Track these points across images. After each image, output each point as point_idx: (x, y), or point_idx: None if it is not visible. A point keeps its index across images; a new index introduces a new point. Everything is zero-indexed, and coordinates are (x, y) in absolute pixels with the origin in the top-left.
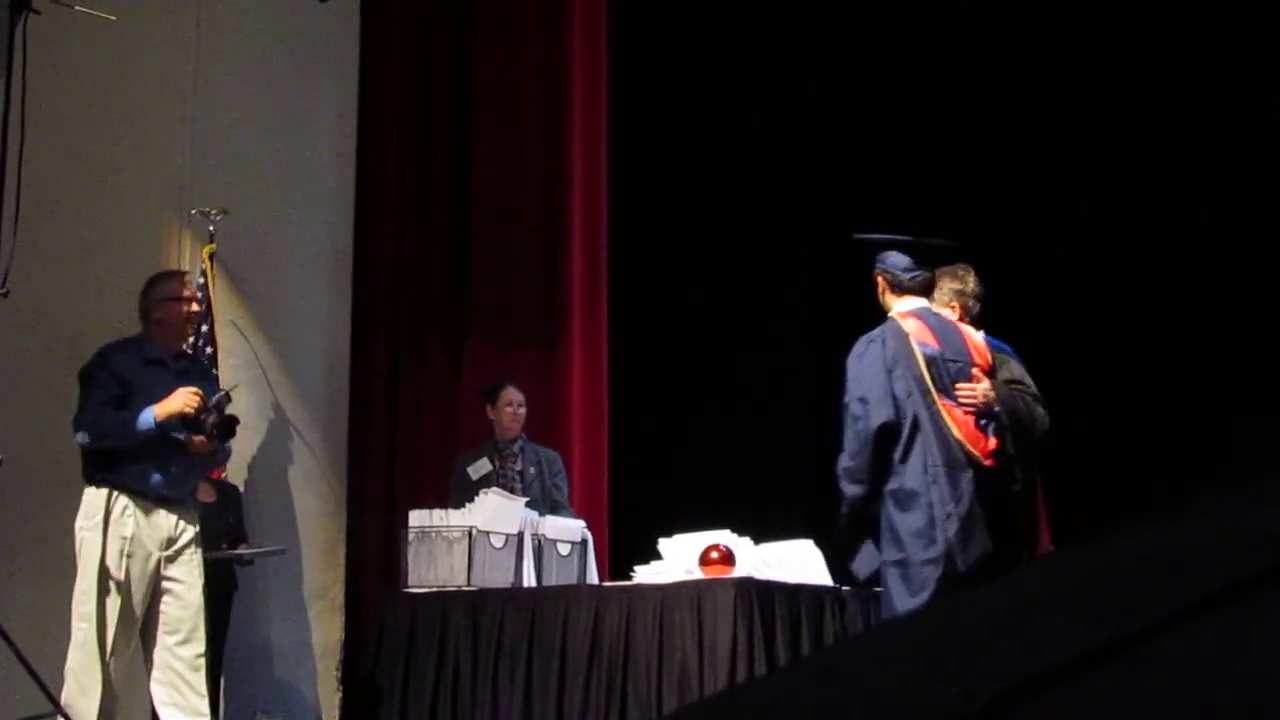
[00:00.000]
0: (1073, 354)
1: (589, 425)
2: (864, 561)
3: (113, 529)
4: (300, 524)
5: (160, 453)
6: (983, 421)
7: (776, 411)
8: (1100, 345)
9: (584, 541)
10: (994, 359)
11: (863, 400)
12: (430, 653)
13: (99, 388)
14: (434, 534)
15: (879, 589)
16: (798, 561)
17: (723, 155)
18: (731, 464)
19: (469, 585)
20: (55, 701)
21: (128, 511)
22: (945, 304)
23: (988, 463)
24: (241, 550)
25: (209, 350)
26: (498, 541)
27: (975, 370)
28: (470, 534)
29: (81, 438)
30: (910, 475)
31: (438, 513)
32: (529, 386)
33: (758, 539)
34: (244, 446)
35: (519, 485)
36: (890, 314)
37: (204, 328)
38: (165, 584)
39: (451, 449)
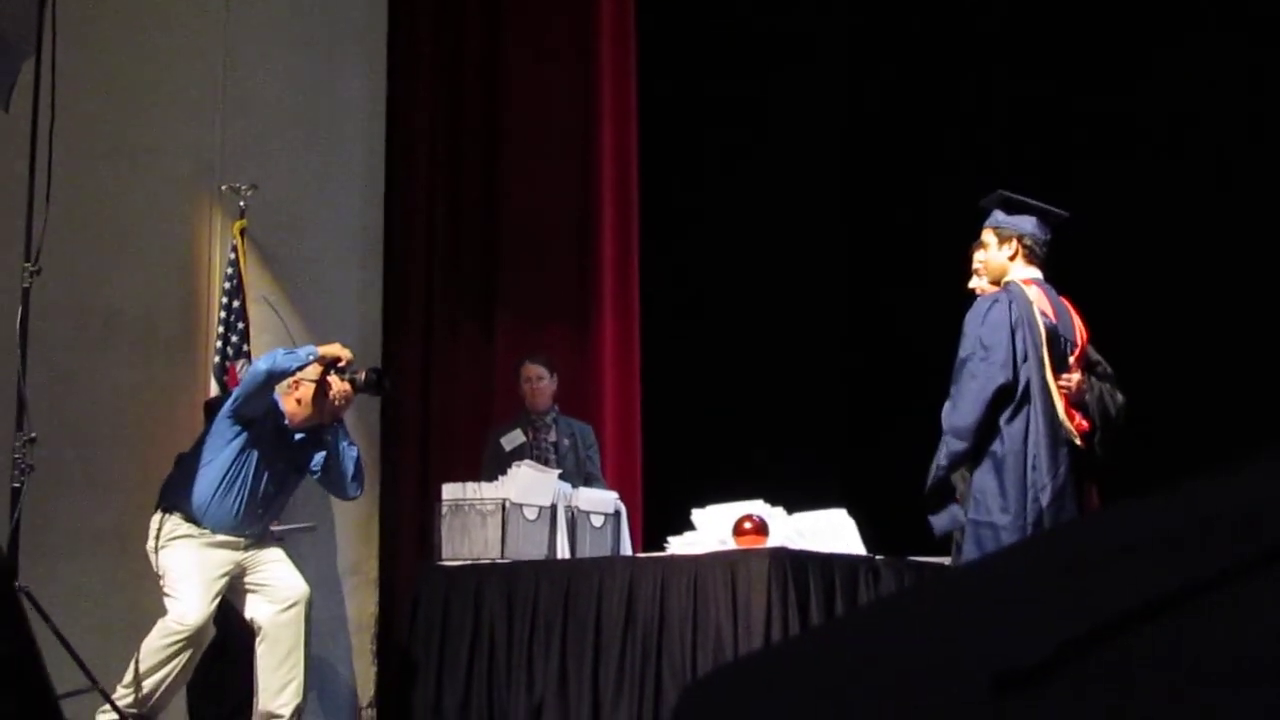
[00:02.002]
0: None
1: (622, 397)
2: (945, 518)
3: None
4: (334, 499)
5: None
6: (1080, 409)
7: (809, 382)
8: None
9: (617, 513)
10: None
11: (985, 360)
12: (465, 626)
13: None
14: (468, 507)
15: (943, 557)
16: (831, 531)
17: (755, 126)
18: (764, 434)
19: (503, 558)
20: (93, 677)
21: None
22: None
23: (1080, 443)
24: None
25: (240, 326)
26: (531, 514)
27: (1075, 352)
28: (504, 507)
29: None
30: (1014, 439)
31: (471, 486)
32: (561, 360)
33: (791, 509)
34: None
35: (552, 457)
36: (1008, 279)
37: (235, 304)
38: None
39: (484, 422)
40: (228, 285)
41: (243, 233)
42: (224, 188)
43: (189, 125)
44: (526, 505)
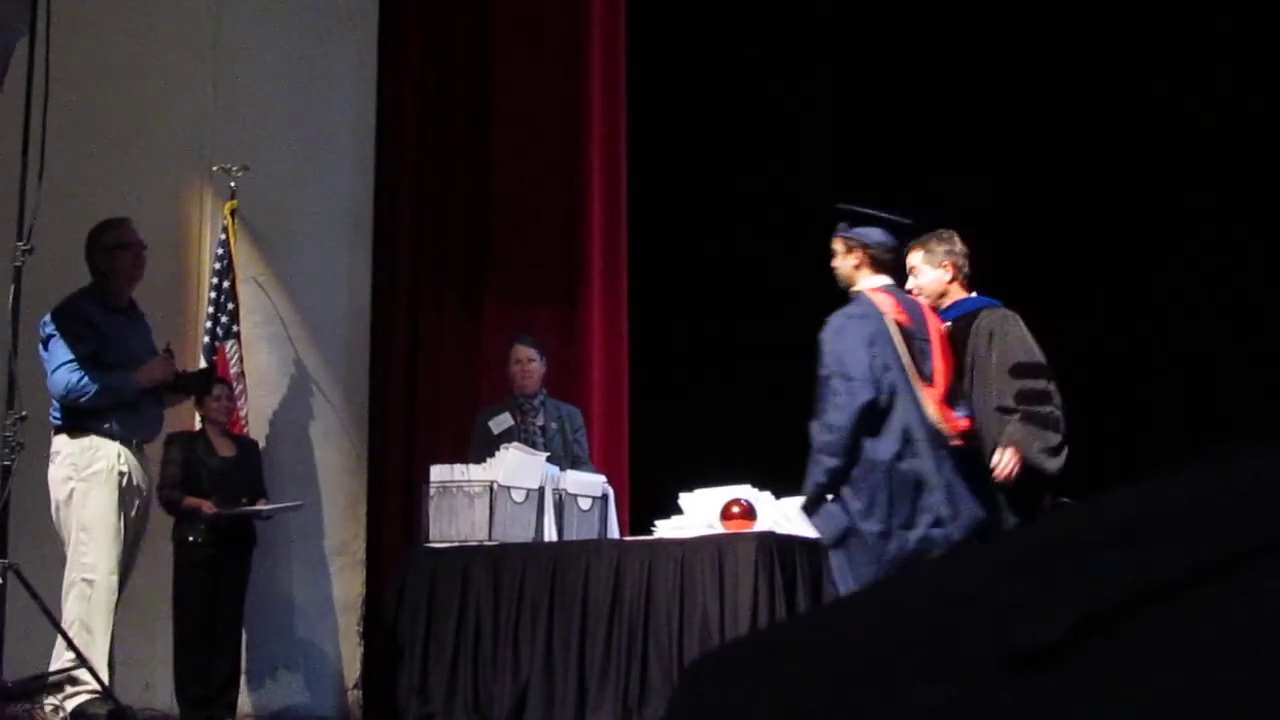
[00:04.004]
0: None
1: (609, 381)
2: (827, 525)
3: (109, 477)
4: (321, 479)
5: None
6: (959, 405)
7: (797, 366)
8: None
9: (605, 496)
10: (996, 328)
11: (846, 378)
12: (451, 608)
13: (79, 341)
14: (455, 489)
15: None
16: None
17: (743, 108)
18: (752, 419)
19: (490, 540)
20: (82, 656)
21: (121, 458)
22: (939, 264)
23: (956, 441)
24: (260, 506)
25: (230, 306)
26: (519, 496)
27: (934, 348)
28: (491, 489)
29: (62, 391)
30: (888, 449)
31: (459, 468)
32: (549, 342)
33: (778, 494)
34: (264, 403)
35: (540, 440)
36: (858, 288)
37: (225, 284)
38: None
39: (472, 404)
40: (218, 265)
41: (233, 213)
42: (214, 168)
43: (180, 106)
44: (514, 488)
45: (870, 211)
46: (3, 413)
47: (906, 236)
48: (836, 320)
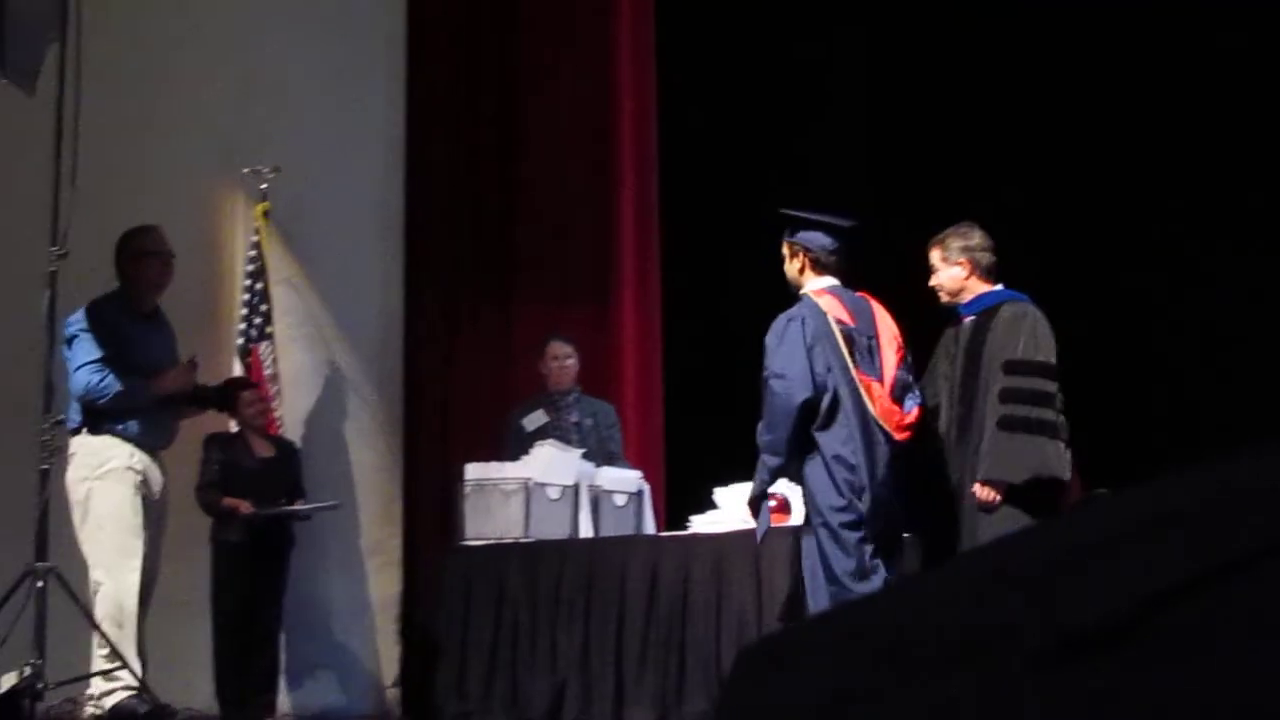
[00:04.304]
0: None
1: (643, 376)
2: (768, 522)
3: (124, 476)
4: (356, 479)
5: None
6: (908, 396)
7: None
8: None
9: (640, 492)
10: (1014, 322)
11: (782, 378)
12: (488, 605)
13: (97, 344)
14: (490, 487)
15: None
16: None
17: (776, 100)
18: None
19: (526, 538)
20: (121, 657)
21: (135, 458)
22: (955, 261)
23: (900, 436)
24: (298, 506)
25: (263, 308)
26: (554, 493)
27: (882, 344)
28: (526, 486)
29: (82, 391)
30: (829, 446)
31: (493, 465)
32: (582, 339)
33: None
34: (300, 403)
35: (574, 437)
36: (804, 290)
37: (258, 285)
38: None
39: (506, 401)
40: (250, 268)
41: (265, 215)
42: (245, 171)
43: (210, 109)
44: (549, 485)
45: (812, 216)
46: (39, 417)
47: (848, 238)
48: (779, 324)
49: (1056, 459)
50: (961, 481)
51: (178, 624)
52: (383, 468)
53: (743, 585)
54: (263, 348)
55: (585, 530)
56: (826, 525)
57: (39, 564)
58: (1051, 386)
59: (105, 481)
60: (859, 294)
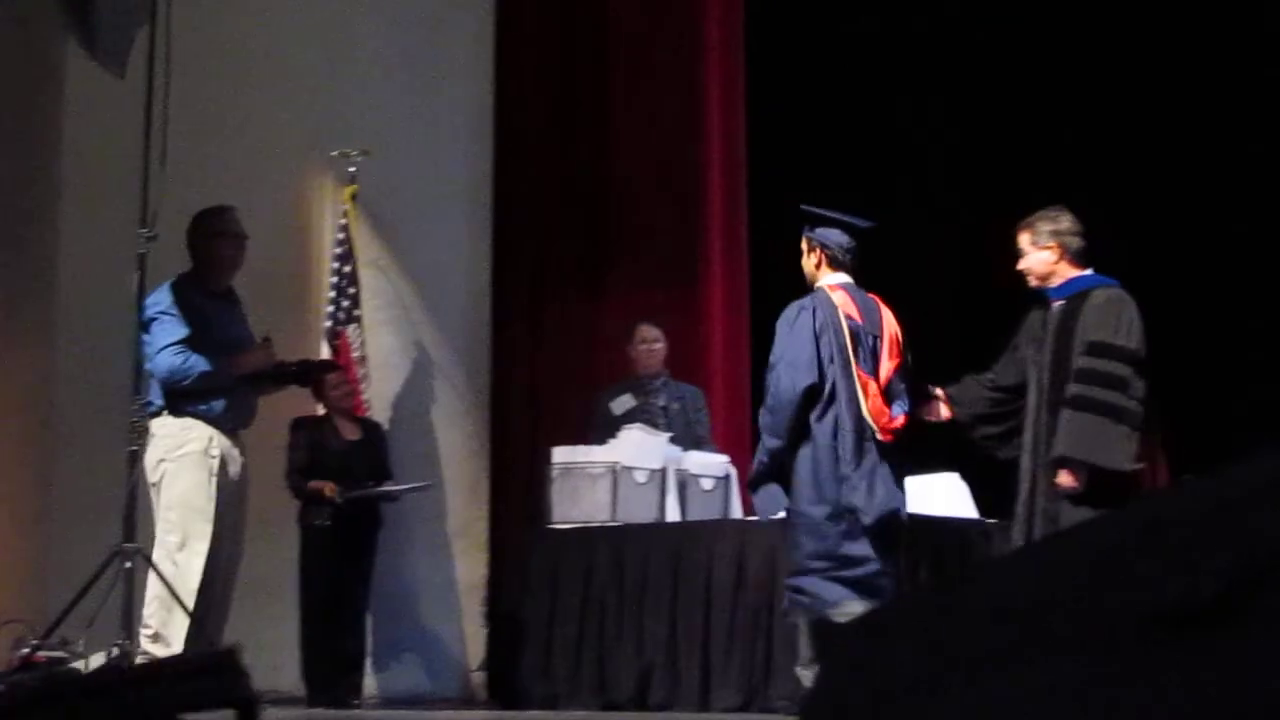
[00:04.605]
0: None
1: (730, 360)
2: (766, 504)
3: (202, 460)
4: (443, 462)
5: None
6: (896, 402)
7: (918, 344)
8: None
9: (727, 476)
10: (1104, 307)
11: (790, 363)
12: (574, 589)
13: (182, 324)
14: (577, 470)
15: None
16: (943, 494)
17: (862, 85)
18: None
19: (613, 521)
20: (210, 638)
21: (214, 442)
22: (1044, 245)
23: (884, 437)
24: (388, 487)
25: (352, 291)
26: (641, 477)
27: (884, 346)
28: (614, 470)
29: (165, 373)
30: (823, 435)
31: (581, 449)
32: (669, 323)
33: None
34: (387, 386)
35: (662, 421)
36: (819, 284)
37: (346, 268)
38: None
39: (593, 385)
40: (338, 250)
41: (353, 198)
42: (334, 153)
43: (299, 92)
44: (636, 468)
45: (830, 214)
46: (128, 400)
47: (864, 238)
48: (790, 311)
49: (1119, 445)
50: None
51: (264, 606)
52: (469, 450)
53: None
54: (350, 330)
55: (672, 514)
56: (804, 512)
57: (127, 545)
58: (1128, 372)
59: (180, 464)
60: (870, 295)
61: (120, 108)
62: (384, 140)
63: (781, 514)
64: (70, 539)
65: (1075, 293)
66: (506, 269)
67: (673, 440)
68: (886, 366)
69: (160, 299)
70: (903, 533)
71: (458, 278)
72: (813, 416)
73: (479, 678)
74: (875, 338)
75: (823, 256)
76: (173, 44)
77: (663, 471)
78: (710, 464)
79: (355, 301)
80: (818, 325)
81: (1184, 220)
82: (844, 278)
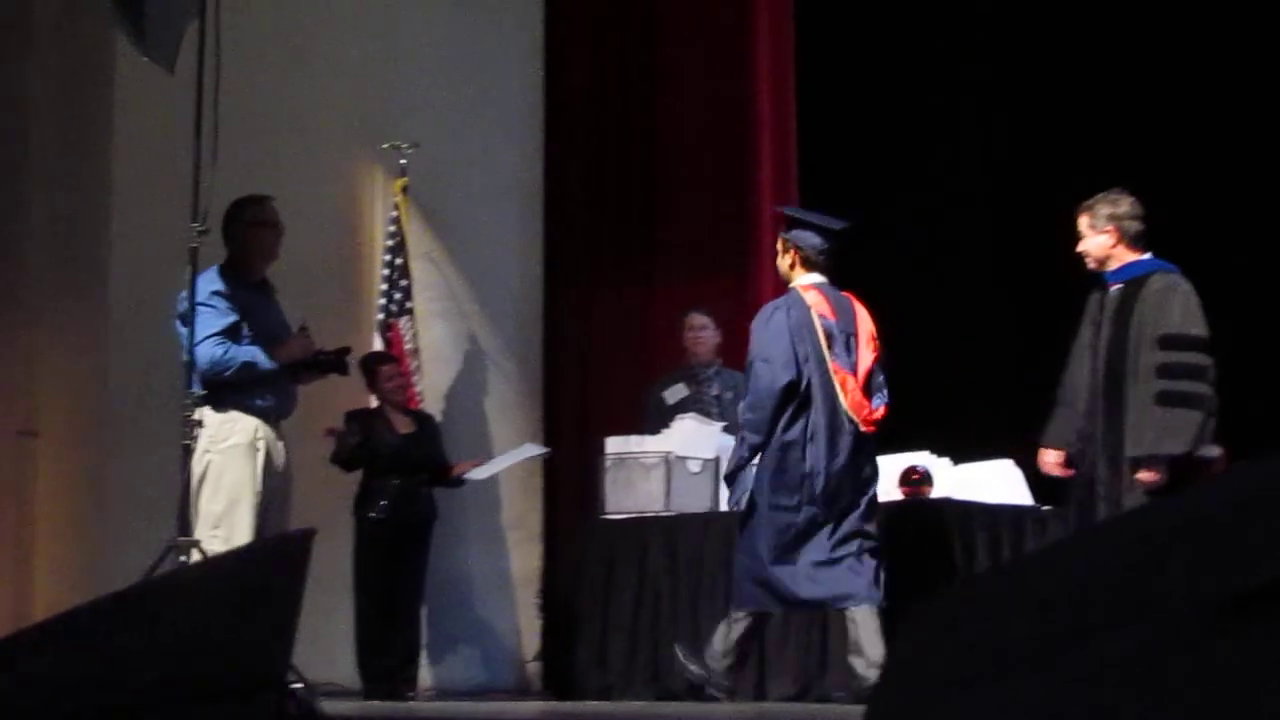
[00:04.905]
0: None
1: None
2: (741, 495)
3: (249, 452)
4: (496, 453)
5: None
6: (877, 394)
7: (973, 331)
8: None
9: None
10: (1164, 293)
11: (766, 361)
12: (629, 580)
13: (221, 315)
14: (631, 460)
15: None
16: (998, 481)
17: (912, 71)
18: (928, 384)
19: (667, 511)
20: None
21: (259, 433)
22: (1102, 229)
23: (866, 428)
24: (496, 458)
25: (403, 283)
26: (695, 467)
27: (860, 342)
28: (667, 460)
29: (206, 366)
30: (798, 430)
31: (634, 439)
32: (722, 311)
33: (956, 460)
34: (439, 378)
35: (715, 410)
36: (793, 284)
37: (398, 261)
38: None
39: (645, 375)
40: (390, 243)
41: (404, 190)
42: (384, 146)
43: (348, 85)
44: (690, 458)
45: (806, 216)
46: (181, 393)
47: (839, 239)
48: (765, 311)
49: (1207, 434)
50: (1109, 450)
51: (319, 599)
52: (522, 441)
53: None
54: (403, 323)
55: (726, 504)
56: (781, 506)
57: (181, 538)
58: (1205, 360)
59: (226, 456)
60: (844, 293)
61: (170, 103)
62: (434, 132)
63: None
64: (126, 533)
65: (1132, 277)
66: (558, 259)
67: (726, 429)
68: (865, 360)
69: (198, 290)
70: (876, 526)
71: (509, 269)
72: (789, 413)
73: (534, 669)
74: (850, 334)
75: (797, 257)
76: (222, 38)
77: (716, 461)
78: None
79: (407, 294)
80: (792, 324)
81: (1241, 203)
82: (818, 277)
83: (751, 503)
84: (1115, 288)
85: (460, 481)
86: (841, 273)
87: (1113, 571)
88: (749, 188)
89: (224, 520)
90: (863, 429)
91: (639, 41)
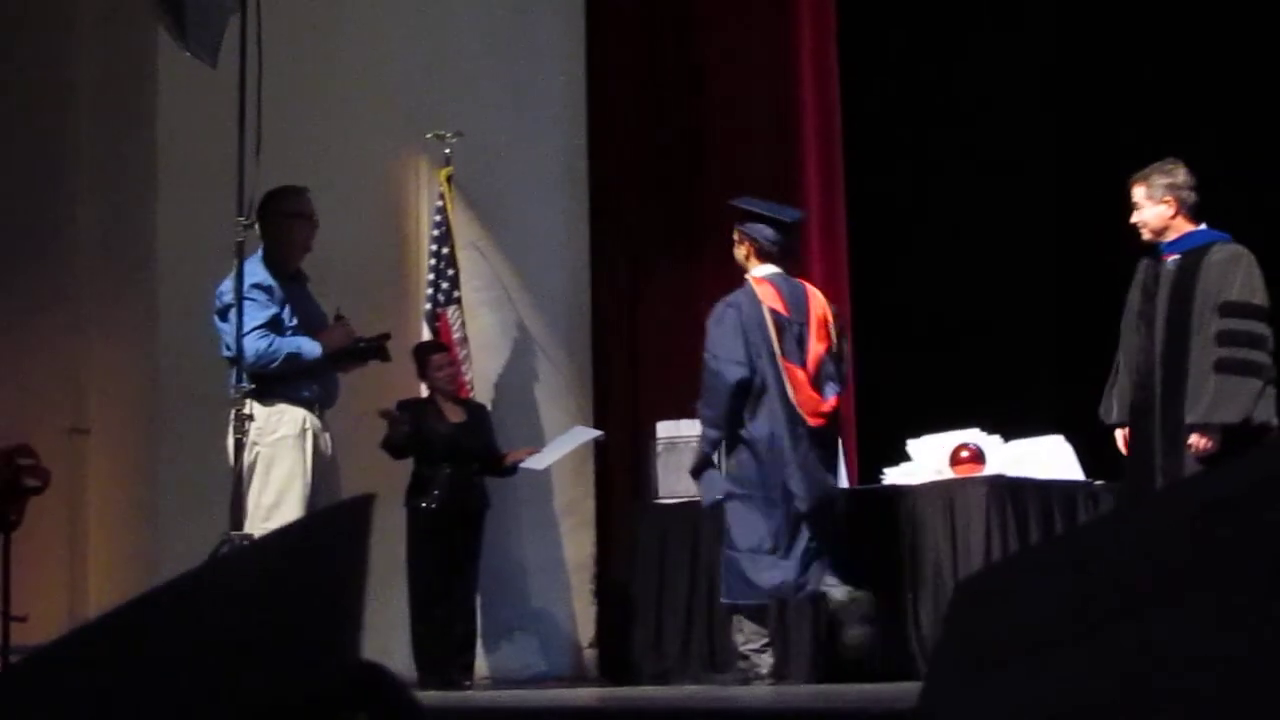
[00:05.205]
0: None
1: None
2: (708, 490)
3: (298, 443)
4: (547, 440)
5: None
6: (828, 385)
7: (1022, 309)
8: None
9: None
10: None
11: (718, 358)
12: (683, 563)
13: (262, 307)
14: (682, 444)
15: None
16: (1049, 457)
17: (962, 48)
18: (979, 362)
19: (720, 494)
20: None
21: (307, 423)
22: (1160, 199)
23: (814, 422)
24: (550, 446)
25: (450, 272)
26: None
27: (811, 332)
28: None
29: (252, 358)
30: (758, 425)
31: (685, 423)
32: None
33: (1007, 437)
34: (489, 366)
35: None
36: (748, 275)
37: (444, 250)
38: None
39: (695, 359)
40: (436, 232)
41: (449, 180)
42: (428, 136)
43: (392, 75)
44: None
45: (759, 209)
46: (230, 387)
47: (792, 231)
48: (718, 309)
49: (1265, 401)
50: (1169, 423)
51: (372, 589)
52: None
53: (938, 536)
54: (451, 312)
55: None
56: (748, 499)
57: (233, 532)
58: (1266, 330)
59: (275, 449)
60: (798, 280)
61: (213, 97)
62: (479, 121)
63: (719, 498)
64: (178, 529)
65: (1191, 248)
66: (604, 245)
67: None
68: (815, 351)
69: (239, 283)
70: (839, 514)
71: (556, 256)
72: (748, 407)
73: (590, 655)
74: (802, 325)
75: (752, 249)
76: (264, 31)
77: None
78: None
79: (454, 283)
80: (743, 321)
81: None
82: (771, 268)
83: (725, 497)
84: (1172, 259)
85: (513, 470)
86: (898, 251)
87: (1163, 543)
88: (794, 169)
89: (274, 512)
90: (810, 423)
91: (679, 27)
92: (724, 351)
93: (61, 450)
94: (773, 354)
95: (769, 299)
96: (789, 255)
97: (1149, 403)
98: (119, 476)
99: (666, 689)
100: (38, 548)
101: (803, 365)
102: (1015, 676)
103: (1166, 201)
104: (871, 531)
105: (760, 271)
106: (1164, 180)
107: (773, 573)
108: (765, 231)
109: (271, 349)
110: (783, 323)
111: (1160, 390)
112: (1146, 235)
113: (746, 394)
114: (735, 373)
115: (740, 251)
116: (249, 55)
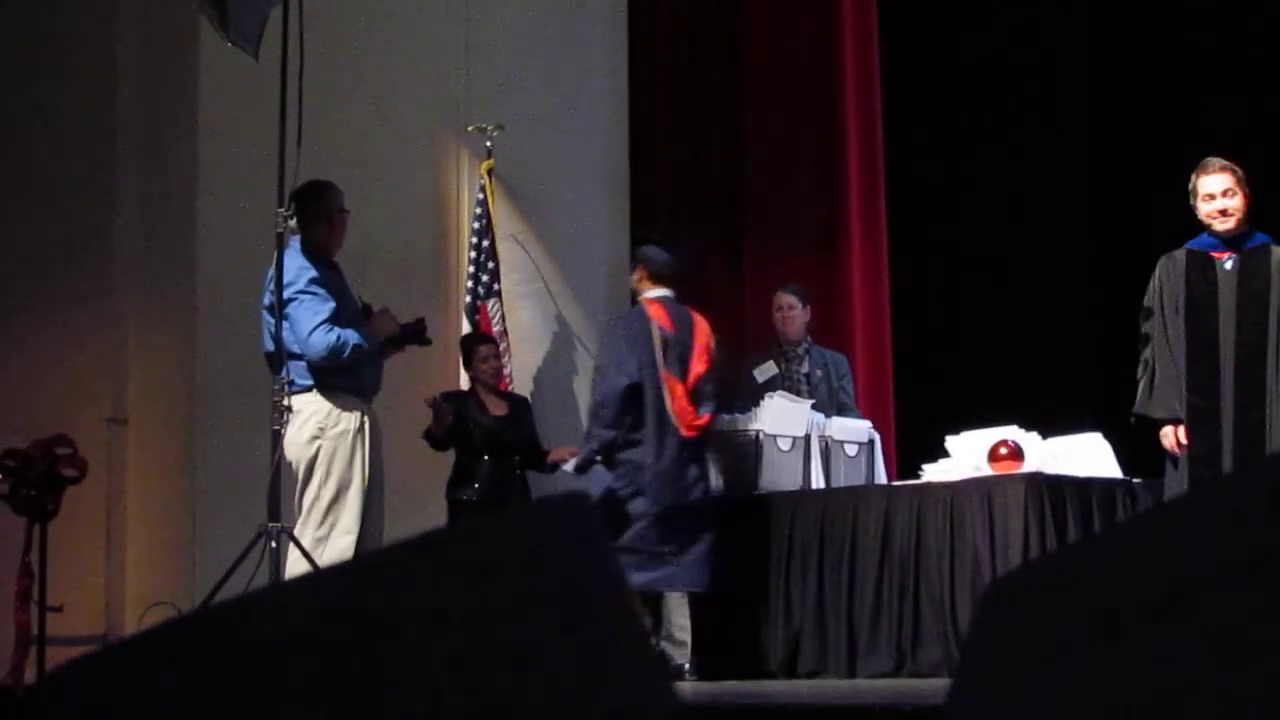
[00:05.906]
0: None
1: (871, 325)
2: (594, 486)
3: (356, 436)
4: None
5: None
6: (703, 403)
7: (1060, 306)
8: None
9: (871, 442)
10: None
11: (606, 366)
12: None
13: (324, 301)
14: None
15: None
16: (1087, 454)
17: (1002, 46)
18: (1018, 358)
19: (757, 489)
20: None
21: (364, 415)
22: (1245, 193)
23: (686, 432)
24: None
25: (491, 265)
26: (785, 445)
27: (694, 353)
28: (757, 438)
29: (324, 352)
30: (635, 432)
31: (724, 418)
32: (811, 289)
33: (1045, 433)
34: (529, 359)
35: (805, 388)
36: (640, 297)
37: (485, 243)
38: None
39: (736, 353)
40: (476, 225)
41: (490, 173)
42: (470, 129)
43: (433, 68)
44: (780, 436)
45: (654, 238)
46: (270, 379)
47: (682, 256)
48: (610, 322)
49: None
50: (1246, 425)
51: None
52: None
53: (976, 532)
54: (491, 304)
55: (817, 481)
56: (617, 495)
57: (271, 524)
58: None
59: (337, 442)
60: (686, 307)
61: (255, 89)
62: (520, 114)
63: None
64: (216, 520)
65: (1253, 247)
66: (645, 240)
67: (815, 407)
68: (695, 370)
69: (299, 278)
70: (699, 522)
71: (597, 249)
72: (630, 414)
73: None
74: (685, 345)
75: (645, 272)
76: (305, 22)
77: (806, 438)
78: (854, 430)
79: (495, 275)
80: (632, 334)
81: None
82: (663, 291)
83: (604, 494)
84: (1227, 257)
85: (554, 468)
86: (937, 248)
87: (1209, 538)
88: (836, 165)
89: (333, 506)
90: (683, 433)
91: (722, 19)
92: (612, 360)
93: (100, 440)
94: (655, 365)
95: (658, 317)
96: (680, 281)
97: (1213, 405)
98: (157, 467)
99: (706, 684)
100: (75, 538)
101: (682, 380)
102: (1043, 678)
103: (1247, 195)
104: (909, 528)
105: (652, 294)
106: (1242, 173)
107: (635, 572)
108: (657, 255)
109: (340, 342)
110: (668, 339)
111: (1232, 394)
112: (1230, 225)
113: (635, 400)
114: (622, 380)
115: (634, 275)
116: (290, 46)
